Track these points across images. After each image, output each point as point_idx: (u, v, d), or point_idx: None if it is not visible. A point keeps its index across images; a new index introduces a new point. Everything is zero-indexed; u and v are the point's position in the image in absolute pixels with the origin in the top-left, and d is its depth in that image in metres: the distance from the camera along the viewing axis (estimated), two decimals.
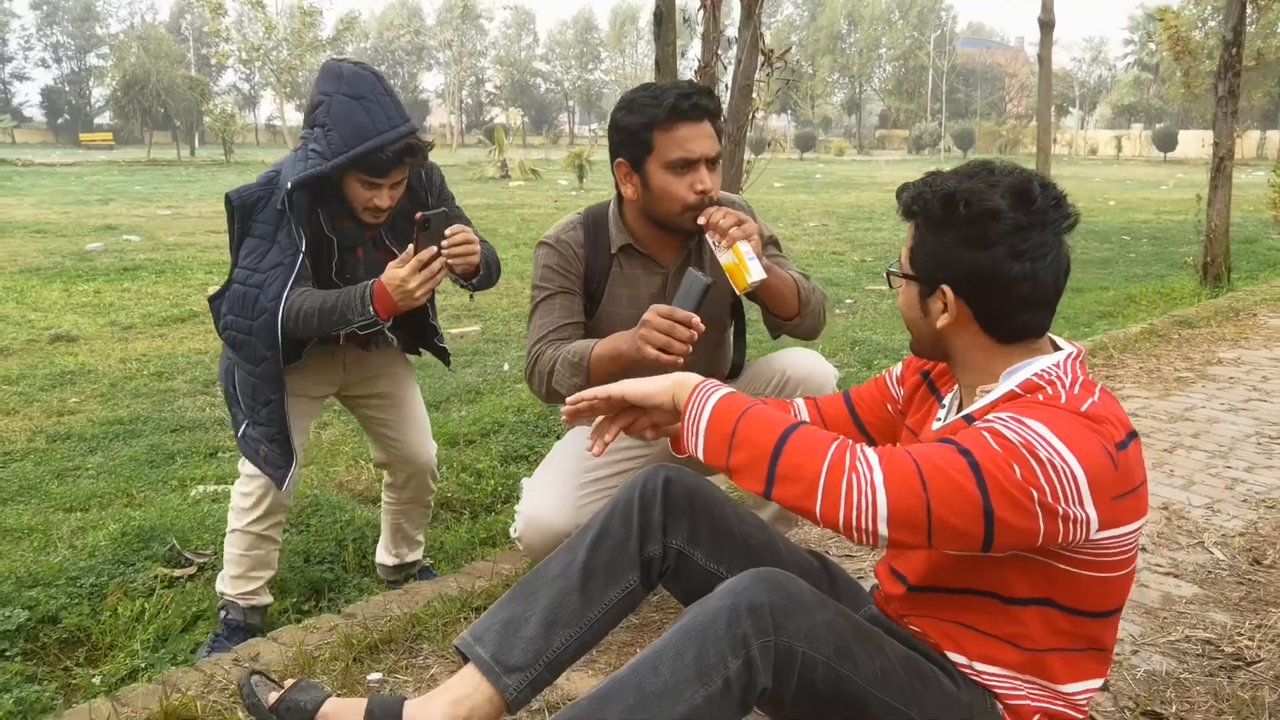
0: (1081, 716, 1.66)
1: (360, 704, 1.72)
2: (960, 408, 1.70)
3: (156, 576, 3.15)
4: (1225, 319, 6.39)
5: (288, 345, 2.56)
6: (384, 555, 3.16)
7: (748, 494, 2.03)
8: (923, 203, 1.61)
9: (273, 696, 1.74)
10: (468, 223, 2.69)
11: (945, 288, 1.59)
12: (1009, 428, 1.44)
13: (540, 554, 2.29)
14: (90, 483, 4.10)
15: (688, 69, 4.51)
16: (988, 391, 1.61)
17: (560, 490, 2.36)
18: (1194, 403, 4.43)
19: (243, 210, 2.56)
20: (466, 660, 1.71)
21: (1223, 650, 2.30)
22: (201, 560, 3.29)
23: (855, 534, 1.42)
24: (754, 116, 4.13)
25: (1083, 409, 1.48)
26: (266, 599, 2.84)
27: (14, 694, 2.52)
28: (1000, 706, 1.64)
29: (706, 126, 2.29)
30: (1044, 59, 6.00)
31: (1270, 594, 2.59)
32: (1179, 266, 9.99)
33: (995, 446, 1.41)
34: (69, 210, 17.71)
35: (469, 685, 1.69)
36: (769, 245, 2.54)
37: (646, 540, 1.77)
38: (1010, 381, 1.58)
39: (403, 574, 3.14)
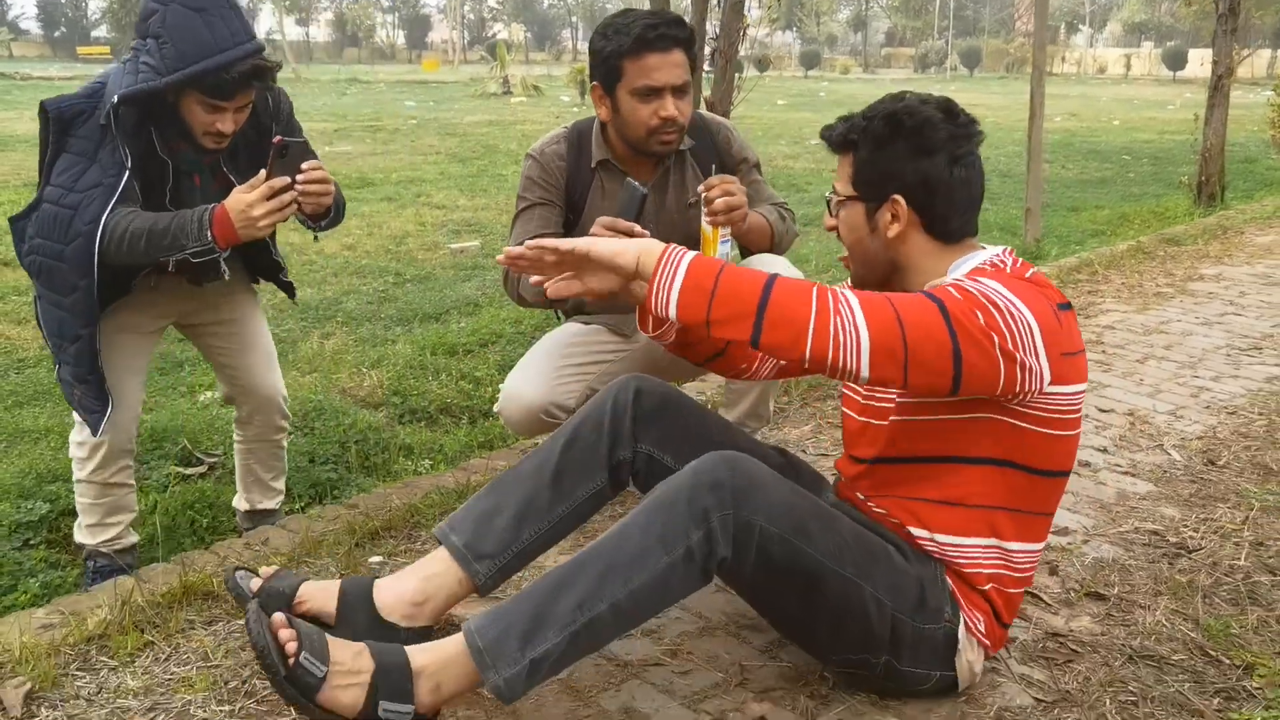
0: (1026, 582, 1.83)
1: (334, 585, 1.91)
2: None
3: (170, 474, 3.31)
4: (1213, 236, 6.48)
5: (112, 275, 2.35)
6: (239, 500, 2.94)
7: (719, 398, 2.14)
8: (861, 129, 1.78)
9: (255, 584, 1.92)
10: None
11: (897, 197, 1.76)
12: (969, 283, 1.63)
13: (518, 427, 2.51)
14: None
15: None
16: (937, 285, 1.73)
17: (539, 369, 2.53)
18: (1170, 317, 4.56)
19: (59, 123, 2.30)
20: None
21: (1167, 540, 2.46)
22: (212, 460, 3.46)
23: (840, 371, 1.55)
24: (744, 33, 4.17)
25: (1026, 276, 1.69)
26: (131, 538, 2.70)
27: (39, 578, 2.70)
28: (949, 580, 1.80)
29: (675, 55, 2.41)
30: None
31: (1219, 491, 2.75)
32: (1176, 186, 10.03)
33: (958, 296, 1.58)
34: None
35: (441, 566, 1.88)
36: (751, 170, 2.72)
37: (616, 445, 1.93)
38: (959, 271, 1.74)
39: (255, 522, 2.88)
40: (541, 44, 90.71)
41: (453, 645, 1.65)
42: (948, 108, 1.77)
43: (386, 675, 1.61)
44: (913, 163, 1.74)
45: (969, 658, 1.82)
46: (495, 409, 2.59)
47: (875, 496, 1.88)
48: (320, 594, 1.90)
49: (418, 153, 13.80)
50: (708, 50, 4.31)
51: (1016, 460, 1.72)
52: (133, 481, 2.68)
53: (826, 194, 1.86)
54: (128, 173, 2.26)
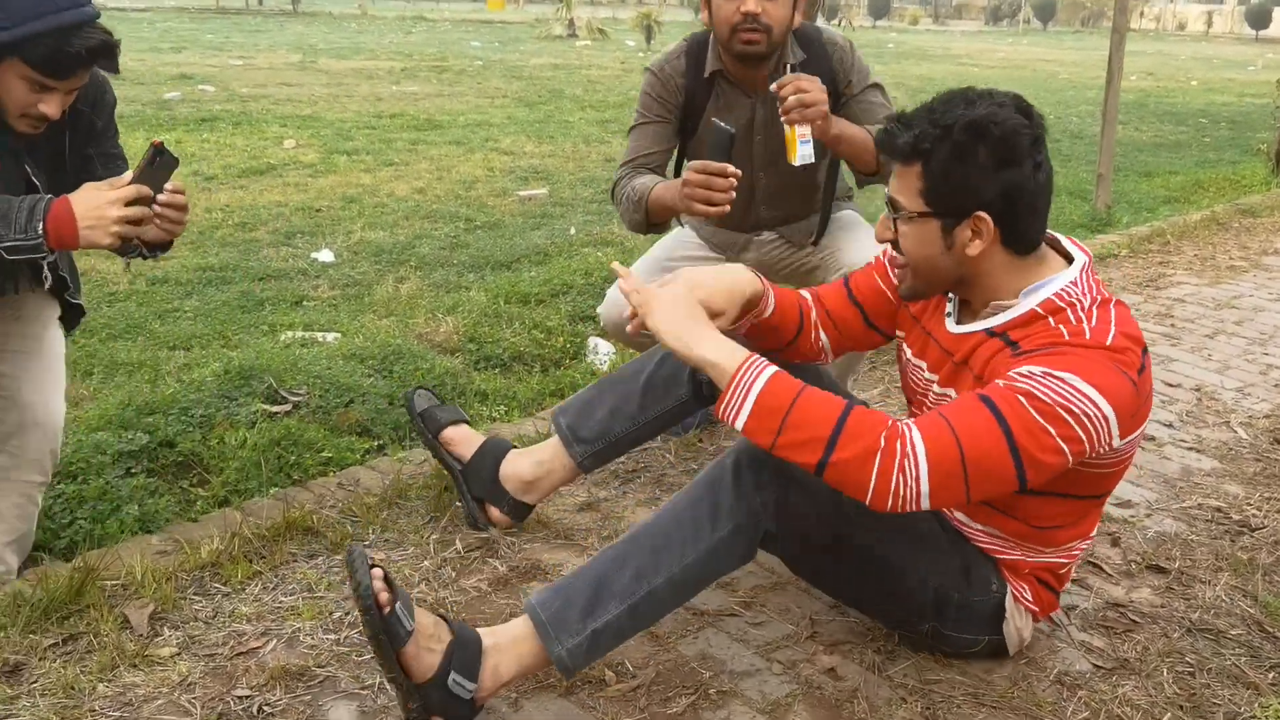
0: (1073, 561, 1.90)
1: (479, 437, 2.28)
2: (970, 312, 1.83)
3: (257, 411, 3.46)
4: None
5: None
6: None
7: None
8: (935, 138, 1.65)
9: (426, 404, 2.33)
10: (124, 165, 2.20)
11: (982, 213, 1.66)
12: (1045, 389, 1.56)
13: (613, 331, 2.75)
14: (189, 324, 4.42)
15: None
16: (1003, 307, 1.73)
17: (638, 275, 2.63)
18: (1242, 291, 4.55)
19: None
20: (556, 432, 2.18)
21: (1230, 517, 2.51)
22: (297, 399, 3.59)
23: (896, 503, 1.59)
24: None
25: (1108, 343, 1.61)
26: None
27: (140, 506, 2.86)
28: (993, 562, 1.87)
29: None
30: None
31: None
32: (1254, 153, 9.84)
33: (1032, 411, 1.55)
34: (144, 57, 17.90)
35: (550, 453, 2.19)
36: (868, 90, 2.73)
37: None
38: (1030, 300, 1.70)
39: None
40: None
41: (518, 625, 1.73)
42: (1024, 108, 1.68)
43: (464, 649, 1.67)
44: (999, 175, 1.64)
45: (1017, 624, 1.89)
46: (597, 311, 2.74)
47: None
48: (464, 441, 2.27)
49: (484, 95, 13.86)
50: None
51: (1070, 491, 1.75)
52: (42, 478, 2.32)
53: (890, 214, 1.77)
54: None
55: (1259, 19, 51.80)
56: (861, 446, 1.56)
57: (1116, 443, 1.62)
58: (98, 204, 1.83)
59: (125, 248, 2.00)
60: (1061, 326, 1.64)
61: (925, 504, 1.58)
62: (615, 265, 1.92)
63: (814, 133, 2.42)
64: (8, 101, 1.89)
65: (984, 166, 1.64)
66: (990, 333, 1.73)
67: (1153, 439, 2.97)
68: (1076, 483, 1.74)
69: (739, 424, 1.62)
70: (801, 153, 2.39)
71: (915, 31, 50.40)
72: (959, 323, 1.83)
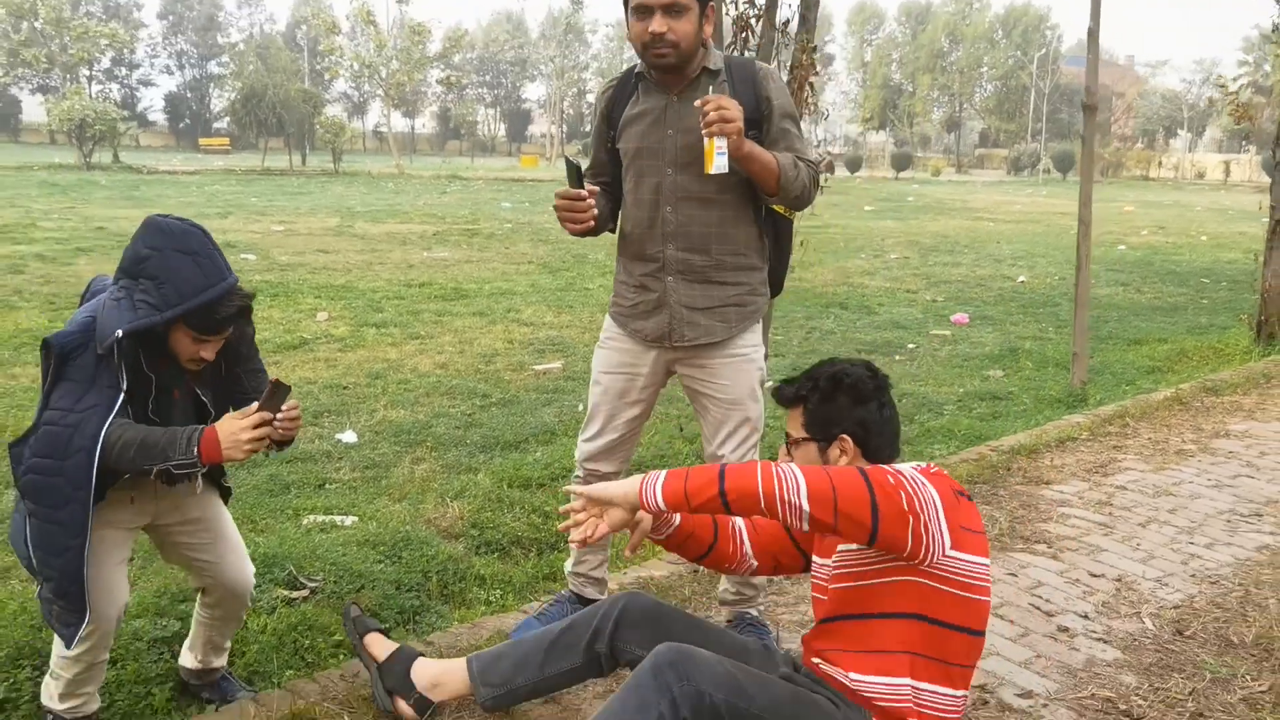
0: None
1: (392, 644, 2.71)
2: None
3: (278, 597, 3.87)
4: (1253, 386, 6.77)
5: (97, 485, 2.56)
6: (188, 657, 3.18)
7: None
8: (808, 389, 2.38)
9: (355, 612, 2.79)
10: (265, 375, 2.91)
11: (844, 436, 2.33)
12: (887, 467, 2.15)
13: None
14: None
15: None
16: None
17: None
18: (1184, 478, 4.91)
19: (60, 356, 2.57)
20: None
21: (1117, 708, 2.85)
22: (313, 584, 4.01)
23: (787, 508, 2.07)
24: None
25: (931, 469, 2.20)
26: (93, 705, 2.92)
27: (170, 688, 3.25)
28: None
29: None
30: (1086, 139, 6.42)
31: (1178, 662, 3.12)
32: (1242, 318, 10.23)
33: (883, 468, 2.13)
34: None
35: (459, 673, 2.64)
36: (781, 118, 3.07)
37: (595, 640, 2.53)
38: None
39: (204, 679, 3.18)
40: None
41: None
42: (870, 367, 2.40)
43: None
44: (855, 410, 2.33)
45: None
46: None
47: (824, 652, 2.35)
48: (378, 646, 2.74)
49: (510, 261, 14.60)
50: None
51: (929, 615, 2.19)
52: (107, 656, 2.88)
53: (785, 444, 2.42)
54: (123, 394, 2.55)
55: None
56: (746, 467, 2.12)
57: (945, 537, 2.11)
58: (233, 430, 2.53)
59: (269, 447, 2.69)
60: None
61: (805, 498, 2.05)
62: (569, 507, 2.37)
63: (729, 148, 2.80)
64: (179, 351, 2.64)
65: (842, 406, 2.34)
66: None
67: (1066, 630, 3.31)
68: (930, 602, 2.16)
69: (658, 498, 2.15)
70: (717, 163, 2.81)
71: (937, 183, 51.79)
72: None
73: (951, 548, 2.12)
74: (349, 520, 4.64)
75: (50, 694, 2.86)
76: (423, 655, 2.66)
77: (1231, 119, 12.94)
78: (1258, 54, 68.85)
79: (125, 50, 57.35)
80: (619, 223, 3.28)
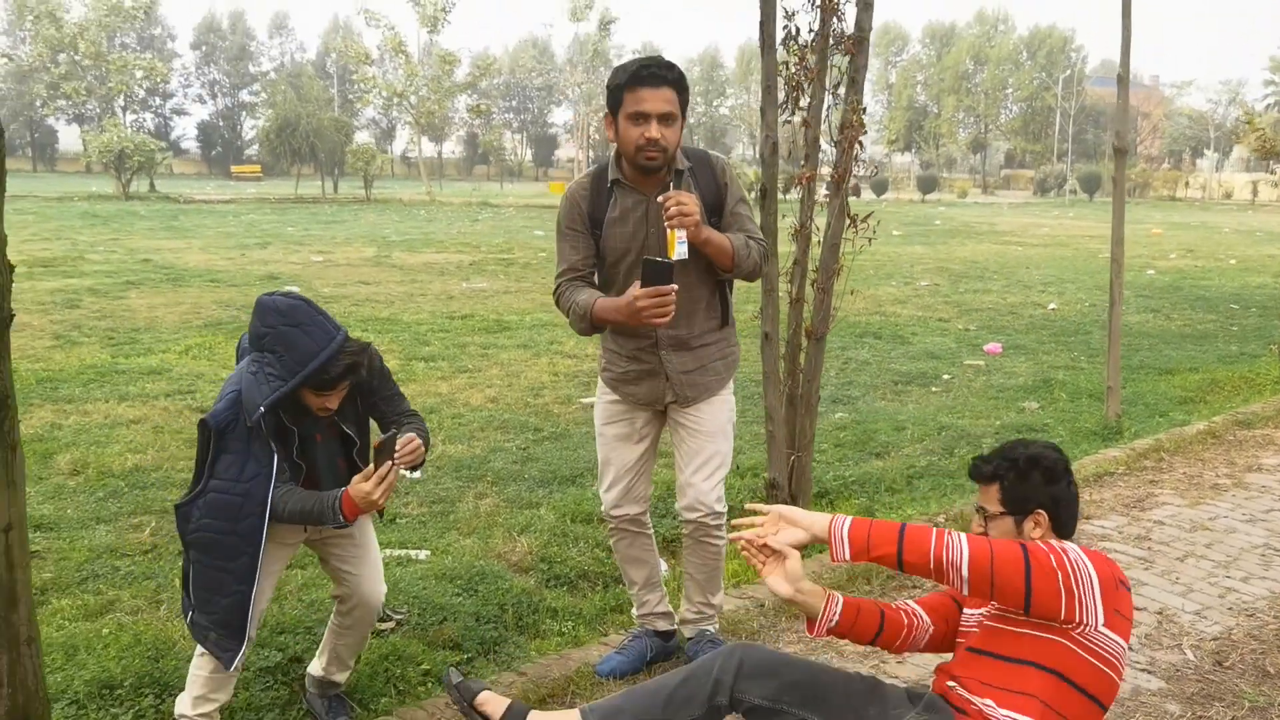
0: None
1: (504, 701, 2.78)
2: None
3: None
4: None
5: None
6: (315, 665, 3.52)
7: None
8: (1005, 468, 2.57)
9: (458, 679, 2.85)
10: (401, 399, 3.32)
11: (1040, 511, 2.53)
12: (1058, 544, 2.35)
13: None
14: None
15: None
16: None
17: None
18: (1219, 512, 5.12)
19: (218, 432, 2.96)
20: None
21: None
22: (399, 617, 4.27)
23: (949, 572, 2.30)
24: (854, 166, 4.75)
25: (1093, 552, 2.39)
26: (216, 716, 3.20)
27: (282, 714, 3.52)
28: None
29: (664, 91, 3.23)
30: (1118, 181, 6.65)
31: (1218, 691, 3.34)
32: (1272, 345, 10.38)
33: (1041, 546, 2.32)
34: (233, 256, 19.39)
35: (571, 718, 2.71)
36: (737, 202, 3.46)
37: (716, 692, 2.60)
38: None
39: (325, 690, 3.50)
40: None
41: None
42: (1056, 448, 2.61)
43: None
44: (1049, 488, 2.54)
45: None
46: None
47: (962, 679, 2.52)
48: (494, 703, 2.79)
49: (547, 291, 14.76)
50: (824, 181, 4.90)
51: (1067, 675, 2.38)
52: (232, 688, 3.24)
53: (980, 518, 2.61)
54: (276, 458, 2.96)
55: None
56: (923, 529, 2.33)
57: (1099, 613, 2.31)
58: (363, 494, 2.88)
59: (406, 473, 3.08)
60: None
61: (965, 567, 2.27)
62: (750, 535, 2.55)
63: (688, 236, 3.17)
64: (309, 405, 3.01)
65: (1037, 484, 2.54)
66: None
67: None
68: (1071, 664, 2.36)
69: (845, 548, 2.35)
70: (679, 250, 3.17)
71: (963, 205, 51.84)
72: None
73: (1104, 624, 2.32)
74: (423, 554, 4.91)
75: (183, 701, 3.18)
76: (534, 710, 2.73)
77: (1255, 148, 13.08)
78: None
79: (160, 81, 58.29)
80: None
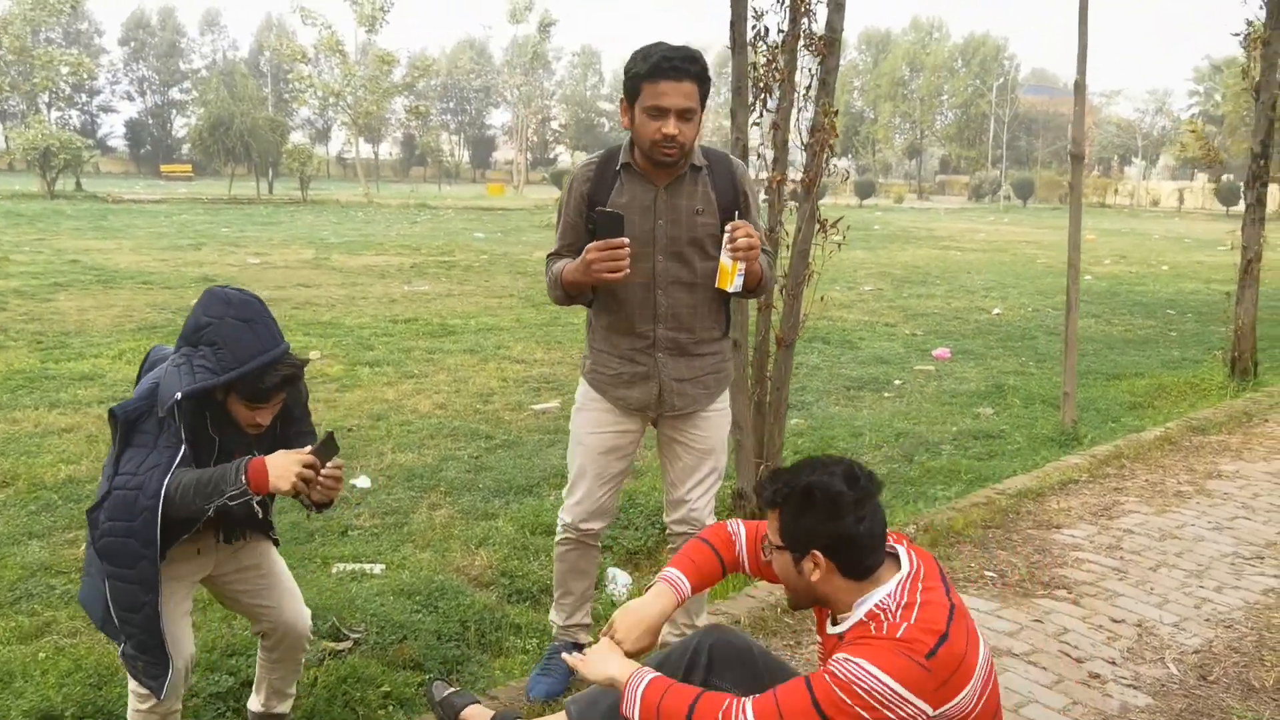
0: None
1: (489, 713, 2.70)
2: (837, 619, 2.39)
3: (324, 649, 3.95)
4: (1237, 425, 7.01)
5: (161, 538, 2.68)
6: (254, 700, 3.36)
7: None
8: (784, 496, 2.29)
9: (445, 692, 2.72)
10: (314, 437, 3.04)
11: (816, 552, 2.25)
12: (844, 669, 2.10)
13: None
14: None
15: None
16: (845, 618, 2.31)
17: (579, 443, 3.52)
18: (1185, 520, 5.11)
19: (126, 424, 2.73)
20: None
21: None
22: (356, 635, 4.09)
23: None
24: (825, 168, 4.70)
25: (899, 635, 2.13)
26: None
27: None
28: None
29: (685, 85, 3.05)
30: (1074, 186, 6.64)
31: (1205, 706, 3.29)
32: (1212, 350, 10.53)
33: (834, 688, 2.09)
34: (166, 257, 18.88)
35: None
36: (755, 213, 3.38)
37: (689, 678, 2.53)
38: (859, 612, 2.27)
39: None
40: None
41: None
42: (850, 475, 2.25)
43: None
44: (825, 526, 2.22)
45: None
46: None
47: None
48: (479, 714, 2.71)
49: (492, 294, 14.70)
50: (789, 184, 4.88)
51: None
52: (180, 707, 3.04)
53: (764, 545, 2.43)
54: (184, 447, 2.69)
55: (1228, 195, 54.05)
56: (711, 709, 2.15)
57: (925, 709, 2.09)
58: (285, 462, 2.65)
59: (301, 500, 2.79)
60: (871, 624, 2.20)
61: None
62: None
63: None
64: (237, 416, 2.78)
65: (813, 520, 2.24)
66: (840, 637, 2.31)
67: (1098, 676, 3.47)
68: None
69: (638, 694, 2.25)
70: (735, 283, 3.10)
71: (900, 210, 52.46)
72: (834, 624, 2.39)
73: (937, 708, 2.09)
74: (378, 568, 4.73)
75: None
76: (520, 716, 2.69)
77: (1200, 155, 13.31)
78: (1208, 84, 70.58)
79: (87, 77, 56.85)
80: (599, 299, 3.40)
